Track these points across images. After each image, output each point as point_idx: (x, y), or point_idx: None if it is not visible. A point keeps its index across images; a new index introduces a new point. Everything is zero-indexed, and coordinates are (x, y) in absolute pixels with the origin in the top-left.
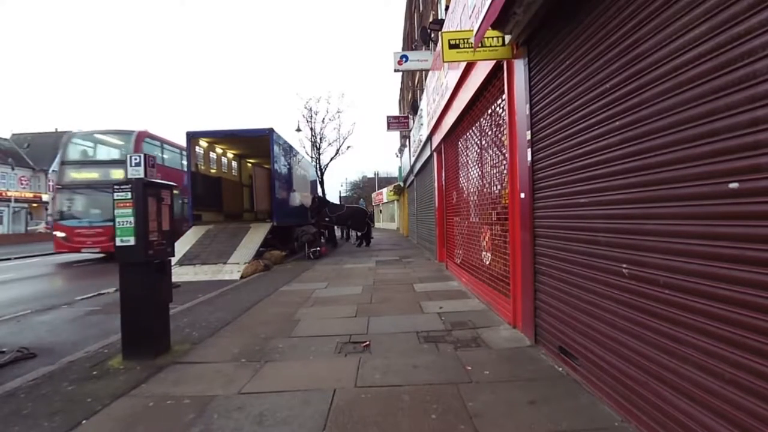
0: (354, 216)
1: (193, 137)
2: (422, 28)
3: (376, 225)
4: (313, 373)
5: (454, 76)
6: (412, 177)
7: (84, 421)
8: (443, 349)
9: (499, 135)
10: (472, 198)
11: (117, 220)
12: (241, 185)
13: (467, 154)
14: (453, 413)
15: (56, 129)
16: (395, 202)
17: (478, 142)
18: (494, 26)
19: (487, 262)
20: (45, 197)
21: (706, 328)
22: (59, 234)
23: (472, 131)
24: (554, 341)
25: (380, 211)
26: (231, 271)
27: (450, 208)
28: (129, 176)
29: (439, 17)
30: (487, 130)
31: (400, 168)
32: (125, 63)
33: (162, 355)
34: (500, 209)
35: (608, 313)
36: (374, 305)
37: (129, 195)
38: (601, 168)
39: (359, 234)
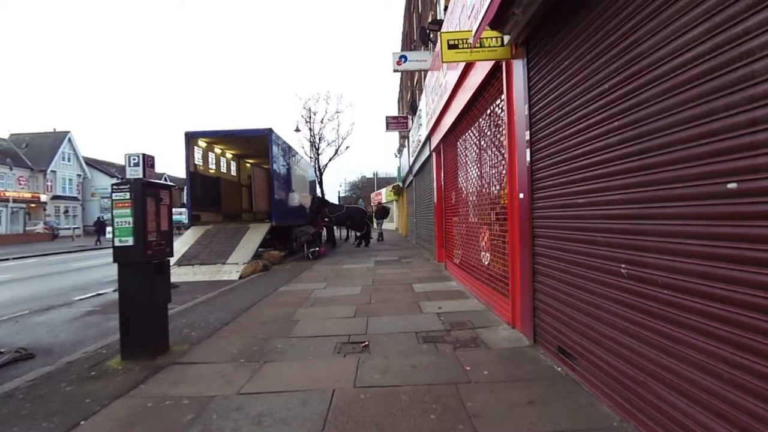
0: (353, 216)
1: (191, 137)
2: (421, 29)
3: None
4: (312, 374)
5: (453, 76)
6: (411, 177)
7: (82, 422)
8: (442, 349)
9: (498, 135)
10: (471, 198)
11: (115, 220)
12: (240, 185)
13: (466, 154)
14: (452, 413)
15: (54, 129)
16: (394, 202)
17: (477, 142)
18: (493, 26)
19: (486, 263)
20: (43, 197)
21: (704, 328)
22: None
23: (471, 131)
24: (553, 341)
25: None
26: (230, 271)
27: (449, 209)
28: (128, 176)
29: (438, 17)
30: (486, 131)
31: (399, 168)
32: (125, 63)
33: (161, 356)
34: (499, 209)
35: (607, 313)
36: (373, 305)
37: (127, 195)
38: (600, 168)
39: (358, 234)
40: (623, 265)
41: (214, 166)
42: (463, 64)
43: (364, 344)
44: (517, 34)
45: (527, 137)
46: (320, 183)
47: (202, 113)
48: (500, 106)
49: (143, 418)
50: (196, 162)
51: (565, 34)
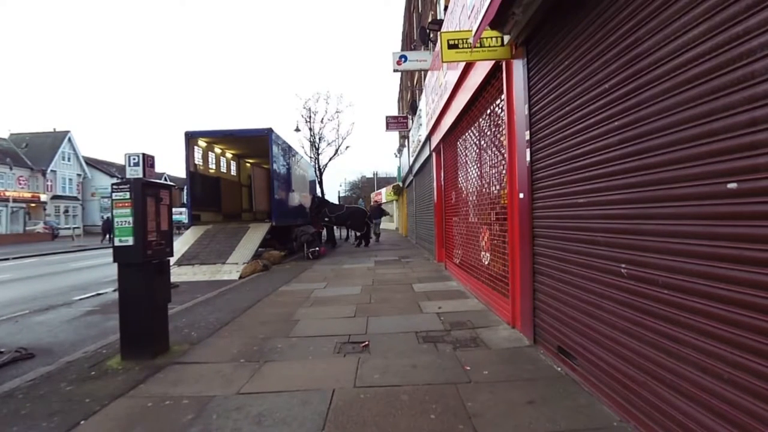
0: (353, 216)
1: (191, 137)
2: (421, 28)
3: None
4: (312, 374)
5: (453, 76)
6: (411, 177)
7: (82, 422)
8: (442, 349)
9: (498, 135)
10: (471, 198)
11: (116, 219)
12: (240, 185)
13: (466, 154)
14: (452, 413)
15: (54, 129)
16: (394, 202)
17: (477, 142)
18: (493, 26)
19: (486, 263)
20: (43, 197)
21: (704, 327)
22: None
23: (471, 131)
24: (553, 341)
25: None
26: (230, 271)
27: (449, 208)
28: (128, 176)
29: (438, 17)
30: (486, 131)
31: (399, 168)
32: (124, 62)
33: (161, 356)
34: (499, 209)
35: (607, 313)
36: (373, 305)
37: (127, 195)
38: (600, 168)
39: (358, 234)
40: (623, 265)
41: (214, 166)
42: (463, 64)
43: (364, 344)
44: (517, 34)
45: (527, 137)
46: (320, 183)
47: (202, 113)
48: (500, 106)
49: (143, 418)
50: (196, 162)
51: (565, 34)
